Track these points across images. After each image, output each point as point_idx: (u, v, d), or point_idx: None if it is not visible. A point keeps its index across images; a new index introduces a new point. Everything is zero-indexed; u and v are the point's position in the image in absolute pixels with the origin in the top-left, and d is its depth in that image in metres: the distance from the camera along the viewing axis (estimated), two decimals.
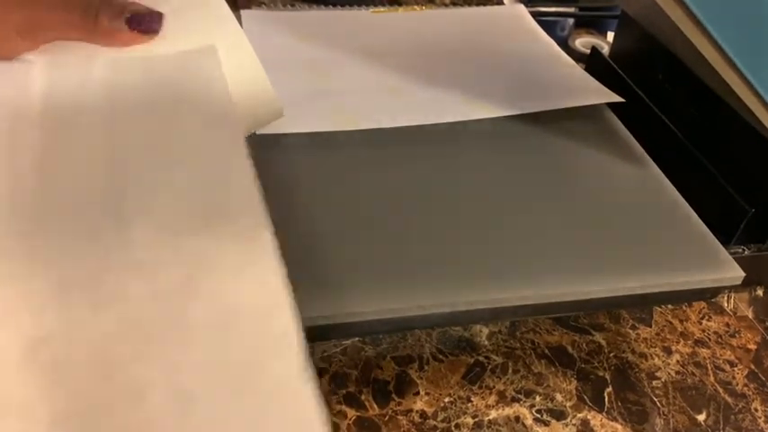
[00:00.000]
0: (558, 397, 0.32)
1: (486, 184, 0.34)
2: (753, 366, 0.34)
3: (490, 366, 0.33)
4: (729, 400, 0.33)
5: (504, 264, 0.30)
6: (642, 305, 0.36)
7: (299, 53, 0.45)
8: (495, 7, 0.56)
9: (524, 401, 0.31)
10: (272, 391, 0.18)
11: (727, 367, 0.34)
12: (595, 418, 0.31)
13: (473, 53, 0.47)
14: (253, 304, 0.20)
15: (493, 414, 0.31)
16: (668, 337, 0.35)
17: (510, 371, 0.33)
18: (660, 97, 0.43)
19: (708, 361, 0.34)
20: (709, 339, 0.36)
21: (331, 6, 0.58)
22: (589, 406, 0.32)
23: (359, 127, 0.37)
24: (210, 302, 0.19)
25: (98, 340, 0.18)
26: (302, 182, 0.33)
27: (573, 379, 0.33)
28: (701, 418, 0.32)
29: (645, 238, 0.32)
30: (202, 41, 0.26)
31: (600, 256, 0.30)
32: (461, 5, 0.62)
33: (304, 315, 0.26)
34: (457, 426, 0.30)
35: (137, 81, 0.25)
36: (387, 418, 0.30)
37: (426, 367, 0.33)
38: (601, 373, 0.33)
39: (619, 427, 0.31)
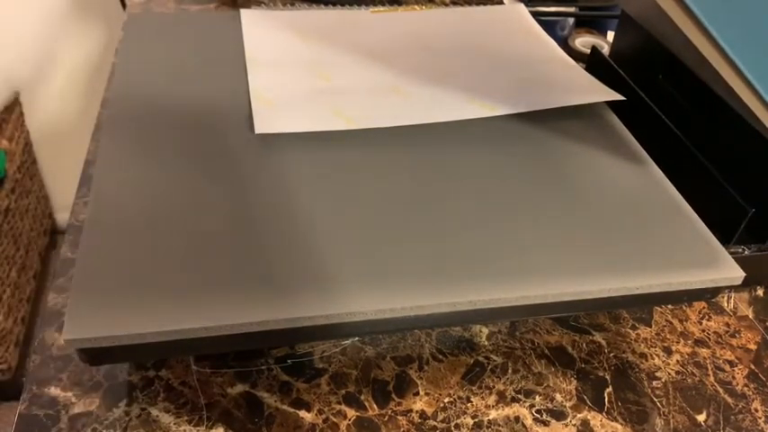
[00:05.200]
0: (558, 397, 0.32)
1: (486, 183, 0.34)
2: (753, 366, 0.34)
3: (490, 366, 0.33)
4: (729, 400, 0.33)
5: (504, 264, 0.30)
6: (642, 305, 0.36)
7: (299, 53, 0.45)
8: (495, 7, 0.56)
9: (524, 401, 0.31)
10: None
11: (728, 367, 0.34)
12: (595, 419, 0.31)
13: (473, 53, 0.47)
14: None
15: (493, 414, 0.31)
16: (668, 337, 0.35)
17: (510, 371, 0.33)
18: (660, 97, 0.42)
19: (708, 361, 0.34)
20: (710, 339, 0.36)
21: (331, 6, 0.58)
22: (589, 406, 0.32)
23: (359, 127, 0.37)
24: None
25: None
26: (302, 181, 0.33)
27: (573, 379, 0.33)
28: (701, 418, 0.32)
29: (645, 238, 0.32)
30: None
31: (600, 255, 0.30)
32: (461, 5, 0.62)
33: (304, 315, 0.26)
34: (456, 426, 0.30)
35: None
36: (386, 419, 0.30)
37: (426, 367, 0.33)
38: (601, 374, 0.33)
39: (619, 427, 0.31)
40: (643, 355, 0.34)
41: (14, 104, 1.11)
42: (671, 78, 0.42)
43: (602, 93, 0.41)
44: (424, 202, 0.33)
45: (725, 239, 0.35)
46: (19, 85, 1.12)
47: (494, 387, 0.32)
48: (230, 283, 0.27)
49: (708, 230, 0.33)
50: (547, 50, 0.48)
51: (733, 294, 0.39)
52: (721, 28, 0.33)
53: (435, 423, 0.30)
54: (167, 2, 0.65)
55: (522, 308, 0.29)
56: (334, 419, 0.30)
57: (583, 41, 0.60)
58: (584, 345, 0.35)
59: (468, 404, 0.31)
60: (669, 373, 0.34)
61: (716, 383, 0.33)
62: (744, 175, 0.37)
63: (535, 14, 0.54)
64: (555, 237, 0.31)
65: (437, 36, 0.49)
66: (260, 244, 0.29)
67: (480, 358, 0.33)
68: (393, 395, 0.31)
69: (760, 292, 0.39)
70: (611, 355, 0.34)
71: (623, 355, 0.34)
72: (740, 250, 0.36)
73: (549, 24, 0.55)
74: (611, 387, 0.33)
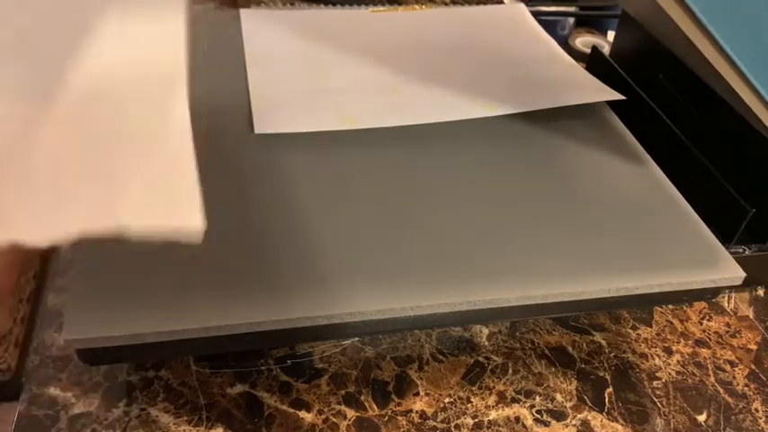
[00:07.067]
0: (559, 397, 0.32)
1: (486, 183, 0.34)
2: (753, 366, 0.34)
3: (490, 367, 0.33)
4: (730, 400, 0.33)
5: (504, 264, 0.29)
6: (642, 305, 0.36)
7: (299, 52, 0.45)
8: (496, 6, 0.56)
9: (524, 402, 0.31)
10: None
11: (728, 367, 0.34)
12: (596, 419, 0.31)
13: (473, 52, 0.47)
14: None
15: (493, 414, 0.31)
16: (669, 337, 0.35)
17: (510, 371, 0.33)
18: (660, 97, 0.42)
19: (708, 361, 0.34)
20: (710, 339, 0.36)
21: (330, 6, 0.58)
22: (589, 406, 0.32)
23: (359, 126, 0.37)
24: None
25: None
26: (302, 181, 0.33)
27: (573, 379, 0.33)
28: (702, 418, 0.32)
29: (645, 238, 0.32)
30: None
31: (600, 255, 0.30)
32: (461, 5, 0.62)
33: (304, 315, 0.26)
34: (457, 426, 0.30)
35: None
36: (386, 419, 0.30)
37: (426, 368, 0.32)
38: (601, 374, 0.33)
39: (619, 427, 0.31)
40: (643, 356, 0.34)
41: None
42: (671, 78, 0.42)
43: (603, 92, 0.41)
44: (425, 202, 0.32)
45: (725, 239, 0.35)
46: None
47: (494, 387, 0.32)
48: (230, 283, 0.27)
49: (708, 230, 0.32)
50: (547, 50, 0.48)
51: (733, 294, 0.39)
52: (721, 28, 0.33)
53: (435, 423, 0.30)
54: None
55: (522, 308, 0.29)
56: (334, 420, 0.30)
57: (583, 41, 0.60)
58: (585, 345, 0.34)
59: (469, 404, 0.31)
60: (669, 374, 0.34)
61: (716, 383, 0.33)
62: (744, 175, 0.36)
63: (535, 14, 0.54)
64: (555, 237, 0.31)
65: (437, 36, 0.49)
66: (259, 244, 0.29)
67: (480, 358, 0.33)
68: (393, 395, 0.31)
69: (760, 292, 0.39)
70: (612, 355, 0.34)
71: (623, 356, 0.34)
72: (740, 250, 0.36)
73: (549, 24, 0.55)
74: (611, 387, 0.33)
